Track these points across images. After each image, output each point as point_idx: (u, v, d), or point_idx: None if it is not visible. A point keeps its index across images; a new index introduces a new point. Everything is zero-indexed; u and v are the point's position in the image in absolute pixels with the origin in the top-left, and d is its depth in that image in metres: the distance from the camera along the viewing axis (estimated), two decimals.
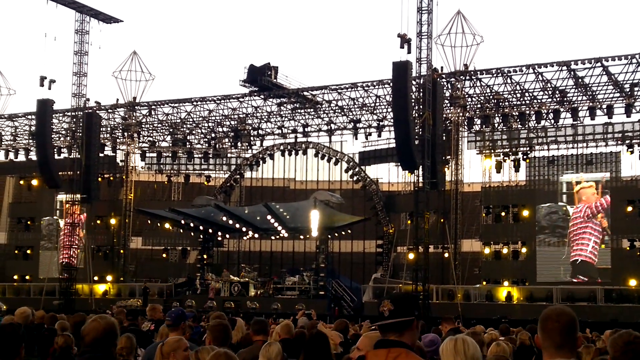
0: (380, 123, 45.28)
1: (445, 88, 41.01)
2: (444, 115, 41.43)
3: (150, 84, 53.21)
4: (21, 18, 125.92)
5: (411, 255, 38.30)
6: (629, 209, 39.61)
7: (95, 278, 47.05)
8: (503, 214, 42.83)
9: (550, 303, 33.51)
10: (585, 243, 40.94)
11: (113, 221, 51.27)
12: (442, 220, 42.67)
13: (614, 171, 41.11)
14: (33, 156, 50.21)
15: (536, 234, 41.90)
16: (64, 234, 45.76)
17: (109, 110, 49.71)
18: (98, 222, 51.17)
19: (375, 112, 45.17)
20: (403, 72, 35.37)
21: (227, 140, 51.94)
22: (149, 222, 50.32)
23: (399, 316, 4.45)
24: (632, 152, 40.37)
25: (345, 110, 45.87)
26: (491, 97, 41.48)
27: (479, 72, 40.11)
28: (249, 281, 44.02)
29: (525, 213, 42.31)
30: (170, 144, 52.74)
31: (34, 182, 51.05)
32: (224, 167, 54.05)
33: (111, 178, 51.76)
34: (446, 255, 42.66)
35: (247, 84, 45.03)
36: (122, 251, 51.49)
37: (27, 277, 50.06)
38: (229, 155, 53.49)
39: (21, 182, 52.94)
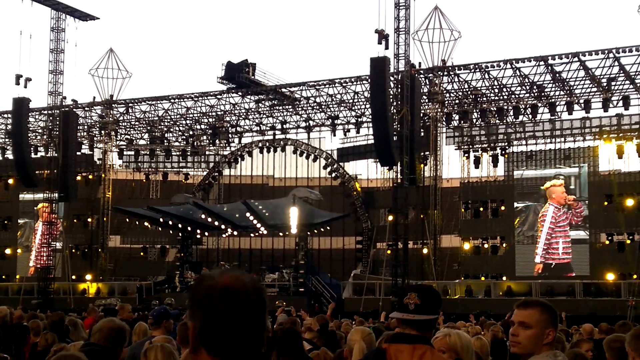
0: (359, 119, 45.27)
1: (423, 84, 41.04)
2: (422, 111, 41.50)
3: (127, 82, 52.95)
4: None
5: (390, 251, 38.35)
6: (606, 203, 39.93)
7: (74, 277, 46.69)
8: (482, 209, 43.05)
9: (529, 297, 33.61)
10: (556, 247, 41.29)
11: (91, 220, 50.89)
12: (421, 216, 42.74)
13: (591, 165, 41.44)
14: (9, 155, 49.77)
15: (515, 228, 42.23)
16: (41, 234, 45.39)
17: (86, 109, 49.32)
18: (75, 221, 50.76)
19: (353, 108, 45.12)
20: (381, 68, 35.37)
21: (205, 137, 51.73)
22: (127, 220, 50.01)
23: (425, 312, 4.21)
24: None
25: (323, 106, 45.80)
26: (469, 92, 41.61)
27: (456, 68, 40.18)
28: None
29: (504, 208, 42.58)
30: (148, 142, 52.42)
31: (10, 182, 50.57)
32: (202, 165, 53.87)
33: (89, 176, 51.35)
34: (425, 251, 42.75)
35: (225, 81, 44.82)
36: (100, 250, 51.11)
37: (4, 277, 49.57)
38: (207, 152, 53.33)
39: None
